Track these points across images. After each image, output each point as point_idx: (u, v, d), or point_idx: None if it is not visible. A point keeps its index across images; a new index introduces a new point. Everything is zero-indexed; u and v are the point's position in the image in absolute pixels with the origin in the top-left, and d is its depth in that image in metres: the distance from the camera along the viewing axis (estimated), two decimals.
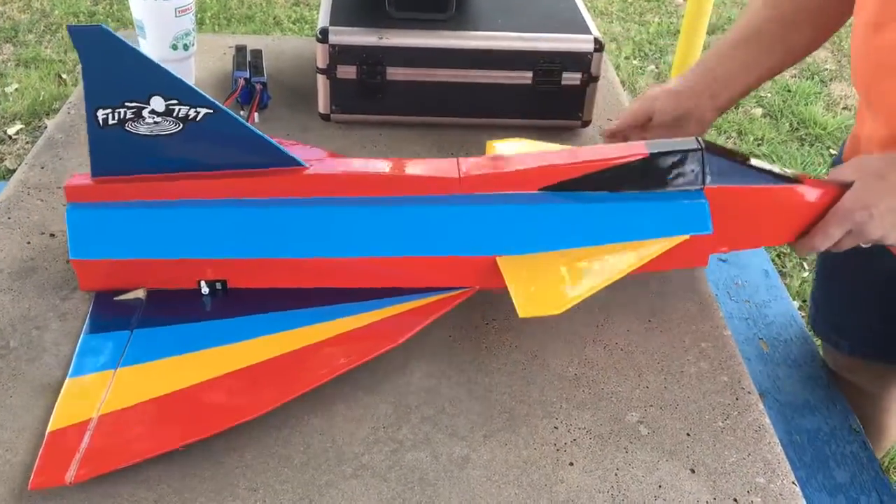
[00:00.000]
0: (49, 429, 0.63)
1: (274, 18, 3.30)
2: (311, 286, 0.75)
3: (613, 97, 1.20)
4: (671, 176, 0.74)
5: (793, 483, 0.64)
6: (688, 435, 0.68)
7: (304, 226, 0.73)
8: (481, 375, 0.72)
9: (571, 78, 1.05)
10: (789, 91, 2.97)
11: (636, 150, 0.75)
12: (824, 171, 2.53)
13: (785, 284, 2.04)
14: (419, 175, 0.75)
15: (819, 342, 1.22)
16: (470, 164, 0.76)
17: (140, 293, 0.76)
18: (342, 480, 0.62)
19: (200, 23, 3.16)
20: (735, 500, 0.63)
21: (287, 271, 0.75)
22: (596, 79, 1.05)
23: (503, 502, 0.62)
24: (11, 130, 2.59)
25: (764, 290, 1.33)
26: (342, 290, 0.75)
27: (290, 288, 0.76)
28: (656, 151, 0.74)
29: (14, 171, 2.25)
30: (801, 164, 2.54)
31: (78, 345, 0.71)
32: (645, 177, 0.74)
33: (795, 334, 1.24)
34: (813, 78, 3.08)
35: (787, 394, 1.13)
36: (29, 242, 0.83)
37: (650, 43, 3.27)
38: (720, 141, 2.66)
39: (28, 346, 0.72)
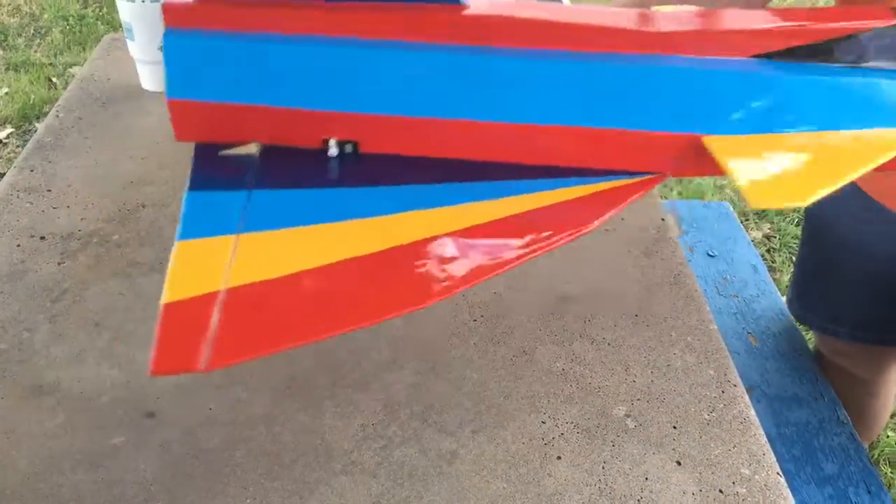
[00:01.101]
0: (163, 300, 0.51)
1: None
2: (459, 157, 0.62)
3: None
4: None
5: (777, 474, 0.65)
6: (674, 428, 0.68)
7: (457, 79, 0.59)
8: (470, 371, 0.72)
9: None
10: None
11: (879, 14, 0.59)
12: None
13: (774, 279, 2.05)
14: (605, 25, 0.61)
15: (808, 333, 1.24)
16: (667, 17, 0.62)
17: (252, 149, 0.63)
18: (332, 477, 0.63)
19: None
20: (721, 491, 0.64)
21: (433, 135, 0.61)
22: None
23: (491, 496, 0.62)
24: (2, 135, 2.59)
25: (752, 285, 1.34)
26: (497, 166, 0.62)
27: (433, 158, 0.62)
28: None
29: (3, 174, 2.25)
30: None
31: (183, 203, 0.58)
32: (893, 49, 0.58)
33: (784, 328, 1.25)
34: None
35: (776, 387, 1.14)
36: (19, 245, 0.84)
37: None
38: None
39: (18, 349, 0.72)
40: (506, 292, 0.82)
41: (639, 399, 0.71)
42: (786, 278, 2.07)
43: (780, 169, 0.57)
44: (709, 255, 1.40)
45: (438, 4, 0.59)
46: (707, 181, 2.43)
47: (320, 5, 0.59)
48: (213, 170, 0.61)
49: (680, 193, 2.37)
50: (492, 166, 0.62)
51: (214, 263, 0.53)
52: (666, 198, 2.37)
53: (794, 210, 2.35)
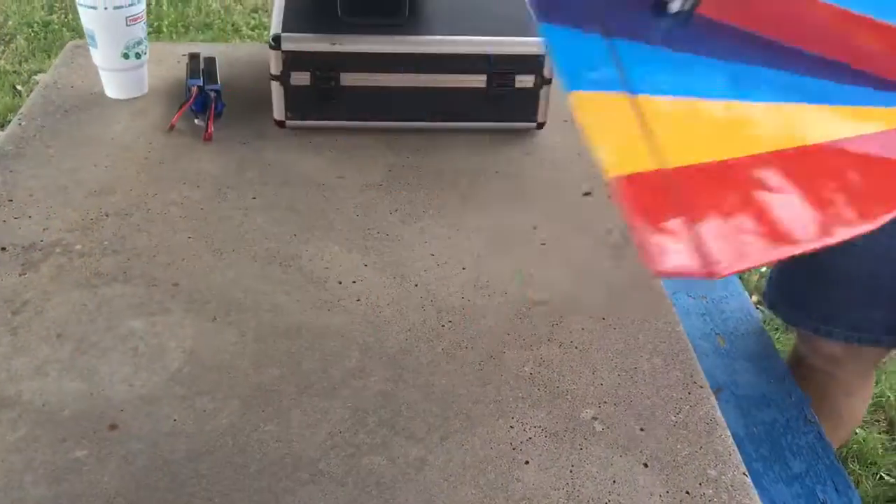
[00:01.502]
0: (616, 173, 0.44)
1: (232, 25, 3.28)
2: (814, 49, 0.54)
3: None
4: None
5: (743, 474, 0.65)
6: (641, 430, 0.69)
7: None
8: (437, 377, 0.72)
9: (524, 80, 1.06)
10: None
11: None
12: None
13: (742, 280, 2.07)
14: None
15: (776, 333, 1.25)
16: None
17: None
18: (299, 487, 0.62)
19: (158, 31, 3.13)
20: (687, 492, 0.64)
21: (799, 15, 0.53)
22: (549, 81, 1.06)
23: (460, 503, 0.62)
24: None
25: (720, 285, 1.35)
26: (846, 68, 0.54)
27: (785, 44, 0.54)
28: None
29: None
30: None
31: (545, 36, 0.51)
32: None
33: (752, 328, 1.26)
34: None
35: (744, 387, 1.15)
36: None
37: None
38: None
39: None
40: (474, 297, 0.81)
41: (606, 402, 0.71)
42: (755, 278, 2.09)
43: None
44: None
45: None
46: None
47: None
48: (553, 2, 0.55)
49: None
50: (840, 67, 0.54)
51: (631, 130, 0.48)
52: None
53: None
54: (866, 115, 0.54)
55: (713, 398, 0.72)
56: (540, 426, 0.69)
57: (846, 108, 0.54)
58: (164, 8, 3.30)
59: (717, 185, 0.48)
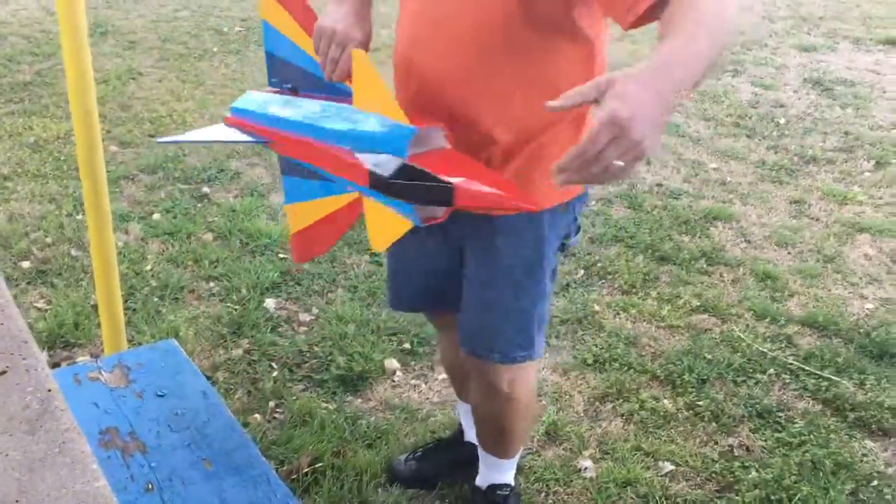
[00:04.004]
0: (291, 232, 1.61)
1: None
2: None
3: None
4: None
5: None
6: None
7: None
8: None
9: None
10: (234, 211, 3.19)
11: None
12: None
13: (260, 389, 2.15)
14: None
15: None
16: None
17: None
18: None
19: None
20: None
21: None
22: None
23: None
24: None
25: (203, 411, 1.40)
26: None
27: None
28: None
29: None
30: (255, 275, 2.76)
31: (283, 181, 1.61)
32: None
33: (236, 443, 1.33)
34: (253, 194, 3.36)
35: (233, 502, 1.20)
36: None
37: None
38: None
39: None
40: None
41: None
42: (270, 383, 2.20)
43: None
44: (158, 395, 1.43)
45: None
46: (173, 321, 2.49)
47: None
48: (285, 165, 1.59)
49: (136, 341, 2.39)
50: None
51: (292, 218, 1.60)
52: (139, 343, 2.36)
53: (288, 321, 2.52)
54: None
55: None
56: None
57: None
58: None
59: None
